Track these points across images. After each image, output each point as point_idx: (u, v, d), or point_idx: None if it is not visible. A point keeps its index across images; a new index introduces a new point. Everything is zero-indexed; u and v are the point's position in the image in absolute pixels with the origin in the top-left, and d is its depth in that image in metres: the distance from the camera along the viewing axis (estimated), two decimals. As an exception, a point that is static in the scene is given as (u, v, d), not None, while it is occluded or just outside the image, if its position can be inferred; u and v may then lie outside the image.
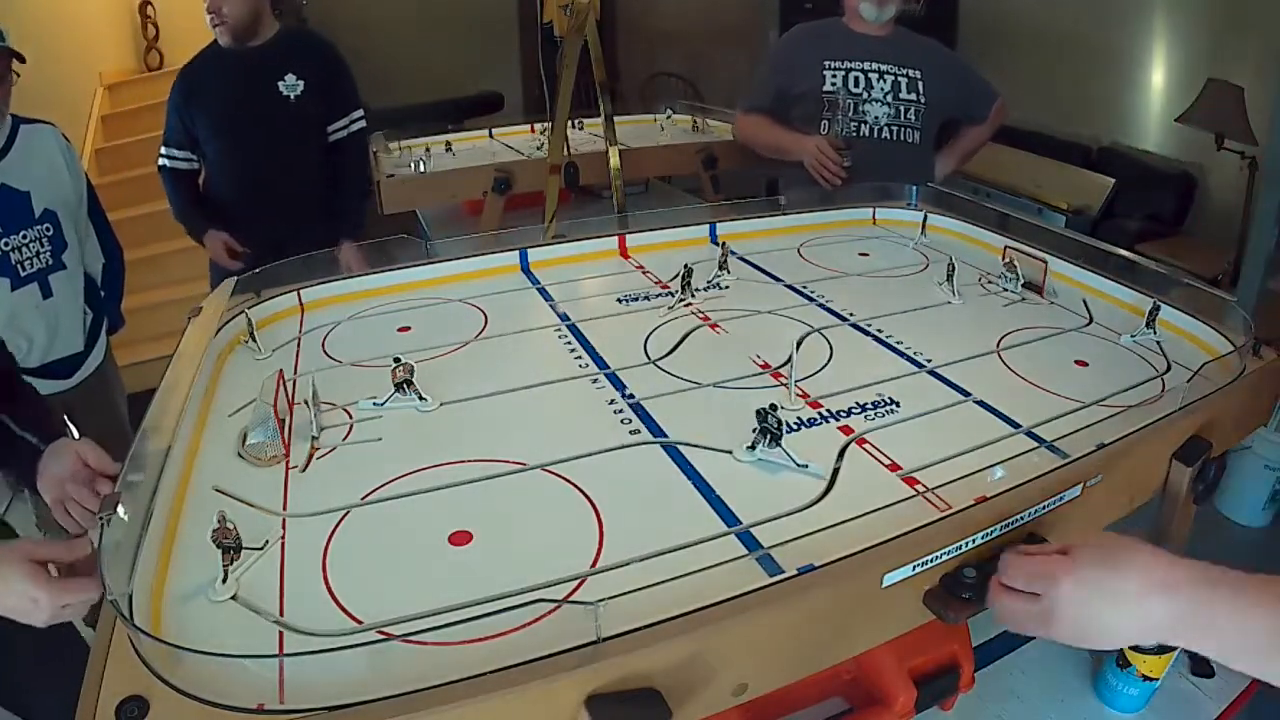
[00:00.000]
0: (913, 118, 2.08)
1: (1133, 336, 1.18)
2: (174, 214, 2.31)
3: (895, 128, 2.08)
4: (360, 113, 2.36)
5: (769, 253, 1.56)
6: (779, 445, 0.88)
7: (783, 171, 2.19)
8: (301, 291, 1.35)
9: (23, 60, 1.73)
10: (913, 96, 2.06)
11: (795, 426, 0.96)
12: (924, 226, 1.63)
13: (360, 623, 0.68)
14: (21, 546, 0.77)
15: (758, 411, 0.89)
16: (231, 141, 2.20)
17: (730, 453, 0.91)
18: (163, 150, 2.25)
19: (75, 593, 0.76)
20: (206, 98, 2.17)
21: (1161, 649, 0.86)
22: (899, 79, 2.06)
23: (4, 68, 1.70)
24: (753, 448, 0.89)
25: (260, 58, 2.17)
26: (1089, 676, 0.95)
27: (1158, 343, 1.17)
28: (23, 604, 0.75)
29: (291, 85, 2.19)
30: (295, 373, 1.13)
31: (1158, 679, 0.89)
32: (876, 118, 2.07)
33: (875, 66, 2.06)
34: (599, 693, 0.59)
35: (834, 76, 2.07)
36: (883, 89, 2.06)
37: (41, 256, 1.78)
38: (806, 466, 0.87)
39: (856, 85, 2.06)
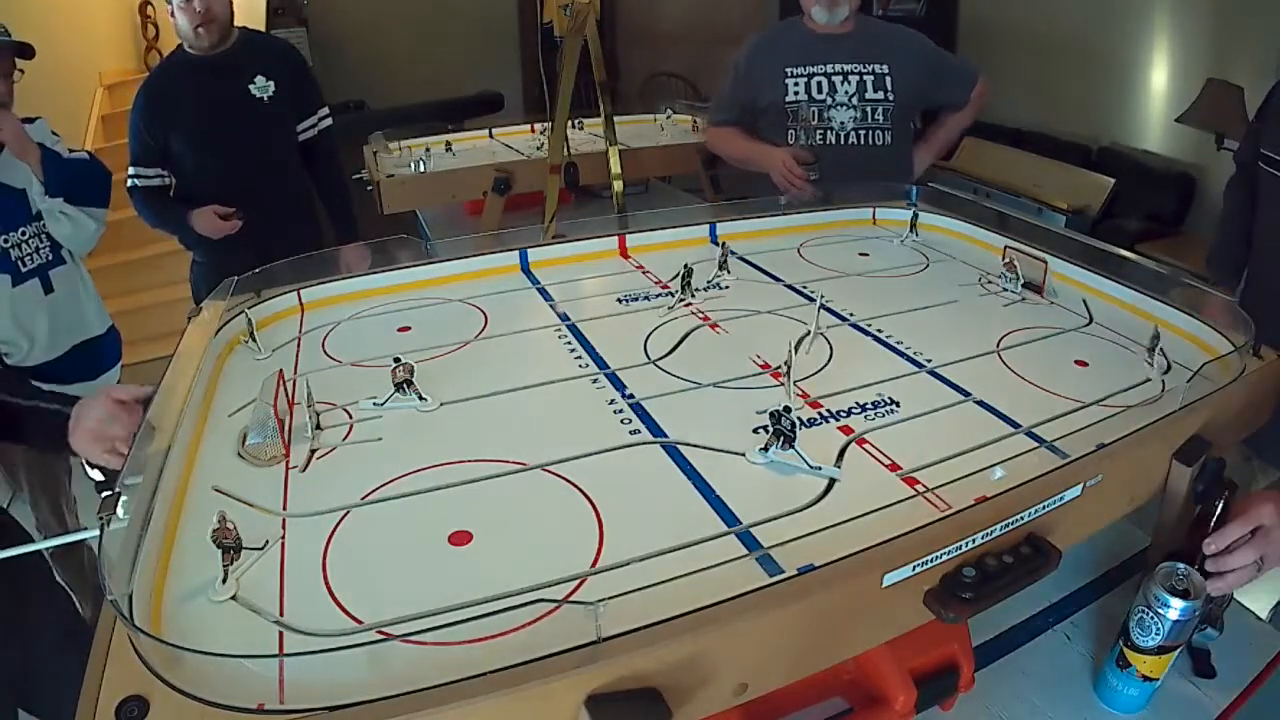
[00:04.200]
0: (881, 118, 1.98)
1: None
2: (153, 225, 2.23)
3: (864, 131, 1.98)
4: (326, 110, 2.35)
5: (769, 253, 1.56)
6: (793, 447, 0.88)
7: (754, 181, 2.11)
8: (301, 291, 1.35)
9: (30, 56, 1.72)
10: (880, 95, 1.97)
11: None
12: (914, 224, 1.62)
13: (360, 623, 0.68)
14: (106, 389, 1.03)
15: (771, 413, 0.89)
16: (211, 149, 2.14)
17: (743, 455, 0.90)
18: (131, 170, 2.14)
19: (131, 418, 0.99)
20: (179, 109, 2.11)
21: (1161, 649, 0.86)
22: (865, 78, 1.96)
23: (8, 65, 1.70)
24: (766, 450, 0.89)
25: (229, 62, 2.14)
26: (1089, 676, 0.95)
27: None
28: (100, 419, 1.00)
29: (263, 86, 2.17)
30: (295, 373, 1.13)
31: (1158, 679, 0.89)
32: (843, 123, 1.98)
33: (839, 68, 1.96)
34: (599, 693, 0.59)
35: (796, 85, 1.98)
36: (848, 91, 1.96)
37: (41, 252, 1.78)
38: (820, 469, 0.87)
39: (820, 91, 1.97)
